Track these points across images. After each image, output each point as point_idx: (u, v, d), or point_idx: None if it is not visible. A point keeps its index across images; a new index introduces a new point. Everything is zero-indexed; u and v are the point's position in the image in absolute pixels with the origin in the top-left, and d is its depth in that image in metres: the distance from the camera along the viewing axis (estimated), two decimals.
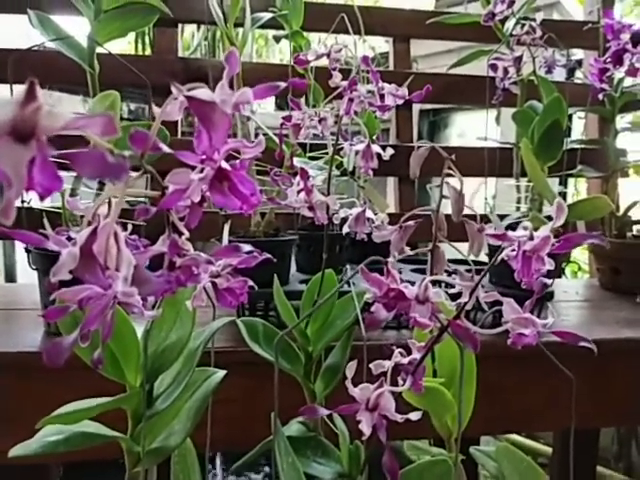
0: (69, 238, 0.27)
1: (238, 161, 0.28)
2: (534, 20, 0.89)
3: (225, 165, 0.25)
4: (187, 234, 0.29)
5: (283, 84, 0.23)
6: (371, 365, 0.34)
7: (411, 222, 0.41)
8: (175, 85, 0.22)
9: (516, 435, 1.57)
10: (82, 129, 0.15)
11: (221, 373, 0.40)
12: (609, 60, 0.87)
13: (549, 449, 1.50)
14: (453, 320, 0.28)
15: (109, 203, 0.29)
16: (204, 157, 0.24)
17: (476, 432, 0.83)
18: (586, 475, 1.05)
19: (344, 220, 0.50)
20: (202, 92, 0.22)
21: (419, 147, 0.41)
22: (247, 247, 0.28)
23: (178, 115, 0.24)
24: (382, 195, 1.00)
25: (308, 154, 0.79)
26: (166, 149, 0.23)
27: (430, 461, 0.36)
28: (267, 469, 1.53)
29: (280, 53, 3.86)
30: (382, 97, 0.45)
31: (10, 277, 2.39)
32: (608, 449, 1.54)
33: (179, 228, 0.28)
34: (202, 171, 0.26)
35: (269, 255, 0.31)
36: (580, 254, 1.78)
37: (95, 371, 0.49)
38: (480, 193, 0.95)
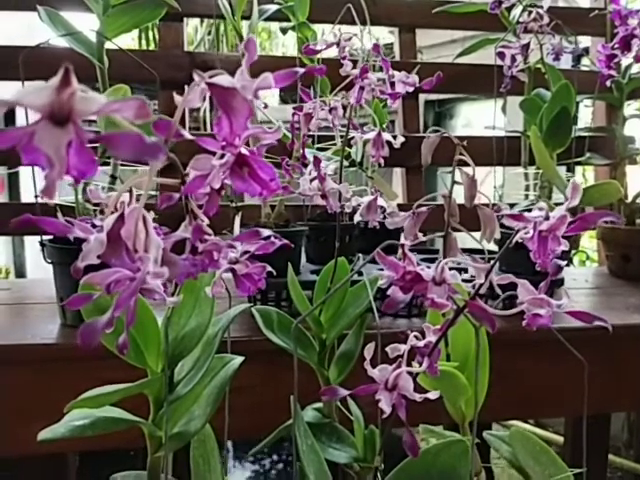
0: (93, 225, 0.28)
1: (255, 147, 0.28)
2: (541, 7, 0.88)
3: (245, 151, 0.25)
4: (207, 221, 0.29)
5: (301, 70, 0.23)
6: (387, 348, 0.34)
7: (423, 208, 0.41)
8: (197, 72, 0.22)
9: (525, 424, 1.58)
10: (115, 113, 0.16)
11: (239, 359, 0.40)
12: (617, 46, 0.86)
13: (559, 437, 1.51)
14: (471, 300, 0.28)
15: (130, 191, 0.30)
16: (224, 143, 0.25)
17: (487, 418, 0.84)
18: (598, 463, 1.06)
19: (356, 209, 0.50)
20: (223, 79, 0.23)
21: (430, 135, 0.42)
22: (267, 232, 0.29)
23: (199, 103, 0.24)
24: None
25: (316, 145, 0.80)
26: (188, 136, 0.24)
27: (447, 441, 0.37)
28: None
29: (283, 46, 3.86)
30: (392, 85, 0.45)
31: (20, 273, 2.42)
32: (618, 437, 1.55)
33: (198, 215, 0.29)
34: (222, 157, 0.26)
35: (287, 241, 0.31)
36: (588, 243, 1.78)
37: (112, 361, 0.50)
38: (487, 182, 0.95)
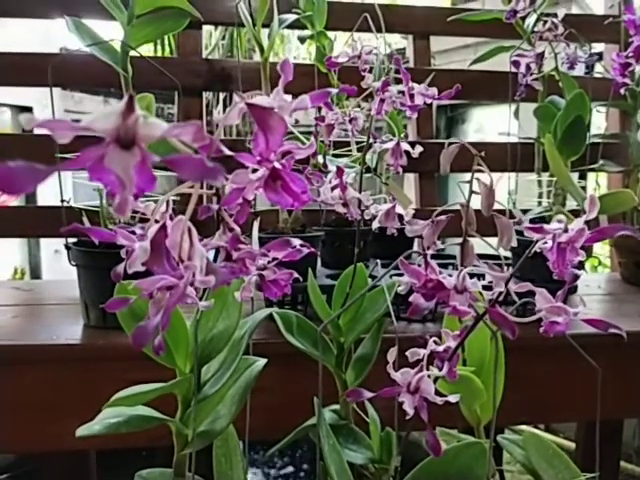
0: (132, 232, 0.30)
1: (284, 160, 0.30)
2: (555, 16, 0.89)
3: (278, 165, 0.27)
4: (239, 230, 0.31)
5: (335, 90, 0.25)
6: (407, 352, 0.36)
7: (443, 217, 0.42)
8: (238, 93, 0.24)
9: (536, 429, 1.58)
10: (176, 137, 0.17)
11: (262, 361, 0.42)
12: (631, 55, 0.87)
13: (570, 444, 1.51)
14: (491, 307, 0.30)
15: (167, 202, 0.31)
16: (260, 158, 0.26)
17: (501, 422, 0.85)
18: (610, 469, 1.06)
19: (374, 215, 0.51)
20: (262, 99, 0.24)
21: (450, 144, 0.43)
22: (297, 241, 0.30)
23: (237, 120, 0.26)
24: None
25: (332, 152, 0.81)
26: (227, 152, 0.25)
27: (466, 443, 0.38)
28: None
29: (296, 49, 3.88)
30: (412, 97, 0.47)
31: (35, 274, 2.46)
32: (630, 444, 1.54)
33: (232, 225, 0.30)
34: (255, 171, 0.28)
35: (313, 249, 0.33)
36: (601, 249, 1.78)
37: (134, 363, 0.52)
38: (499, 188, 0.96)
